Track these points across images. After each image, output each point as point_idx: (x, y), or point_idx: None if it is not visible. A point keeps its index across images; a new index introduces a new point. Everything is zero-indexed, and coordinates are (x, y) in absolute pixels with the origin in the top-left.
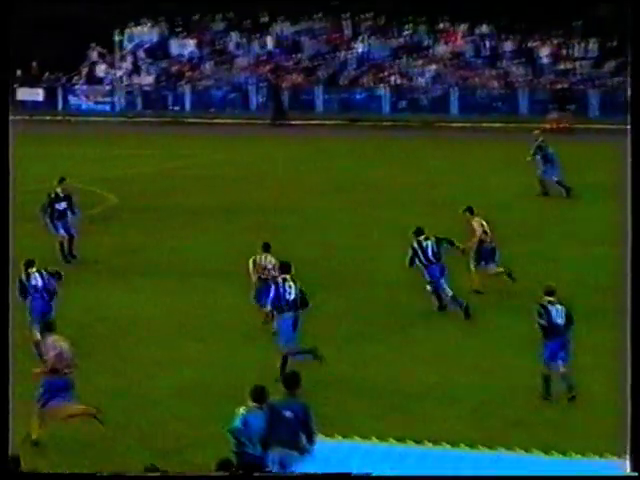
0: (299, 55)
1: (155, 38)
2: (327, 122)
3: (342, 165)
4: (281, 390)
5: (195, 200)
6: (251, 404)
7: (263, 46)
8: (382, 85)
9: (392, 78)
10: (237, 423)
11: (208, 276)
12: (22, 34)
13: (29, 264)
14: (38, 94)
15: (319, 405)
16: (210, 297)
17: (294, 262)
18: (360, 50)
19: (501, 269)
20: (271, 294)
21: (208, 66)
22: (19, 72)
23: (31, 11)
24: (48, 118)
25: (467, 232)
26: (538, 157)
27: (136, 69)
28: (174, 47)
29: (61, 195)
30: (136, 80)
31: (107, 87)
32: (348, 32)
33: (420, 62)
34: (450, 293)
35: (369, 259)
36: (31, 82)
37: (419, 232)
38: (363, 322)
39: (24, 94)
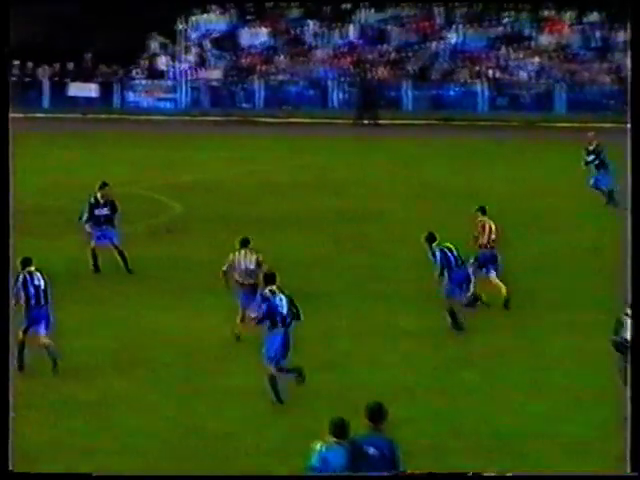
0: (385, 46)
1: (223, 27)
2: (416, 122)
3: (432, 170)
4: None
5: (269, 208)
6: (330, 439)
7: (345, 36)
8: (478, 80)
9: (490, 72)
10: (314, 461)
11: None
12: (73, 22)
13: (26, 263)
14: (92, 89)
15: (407, 441)
16: None
17: (375, 277)
18: (454, 40)
19: (496, 280)
20: (264, 309)
21: (283, 58)
22: (71, 65)
23: None
24: (103, 116)
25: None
26: (590, 163)
27: (202, 62)
28: (245, 37)
29: (101, 201)
30: (202, 74)
31: (170, 82)
32: (440, 20)
33: (522, 54)
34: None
35: None
36: (84, 76)
37: (432, 238)
38: (456, 346)
39: (77, 89)
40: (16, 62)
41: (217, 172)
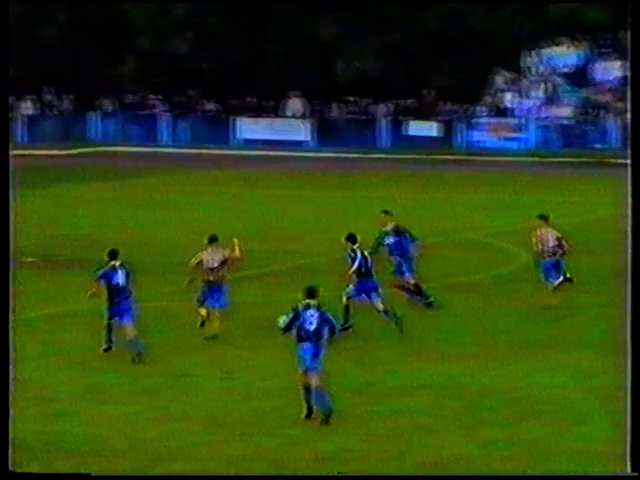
0: None
1: (575, 60)
2: None
3: None
4: None
5: (616, 260)
6: None
7: None
8: None
9: None
10: None
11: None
12: (411, 57)
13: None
14: (432, 128)
15: None
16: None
17: None
18: None
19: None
20: (289, 321)
21: None
22: (409, 102)
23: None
24: (445, 157)
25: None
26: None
27: (552, 98)
28: (599, 71)
29: (390, 230)
30: (552, 111)
31: (516, 120)
32: None
33: None
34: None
35: None
36: (424, 114)
37: (354, 239)
38: None
39: (417, 128)
40: (351, 99)
41: (566, 218)
